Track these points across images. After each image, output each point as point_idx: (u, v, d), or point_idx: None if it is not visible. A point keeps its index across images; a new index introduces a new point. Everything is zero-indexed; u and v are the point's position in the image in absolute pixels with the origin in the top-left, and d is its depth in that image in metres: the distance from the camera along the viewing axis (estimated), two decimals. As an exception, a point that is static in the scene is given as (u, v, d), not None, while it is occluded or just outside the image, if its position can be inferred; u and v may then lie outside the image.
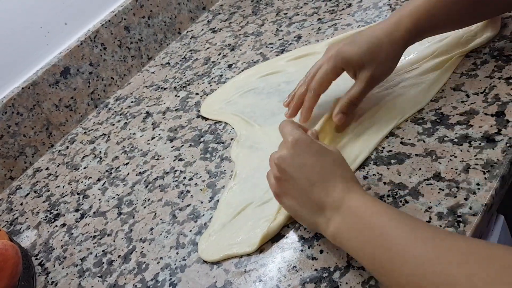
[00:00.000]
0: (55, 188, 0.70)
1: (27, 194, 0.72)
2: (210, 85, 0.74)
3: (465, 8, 0.48)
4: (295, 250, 0.44)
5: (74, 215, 0.63)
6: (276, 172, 0.42)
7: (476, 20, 0.52)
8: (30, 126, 0.77)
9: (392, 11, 0.67)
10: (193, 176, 0.59)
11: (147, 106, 0.78)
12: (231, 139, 0.61)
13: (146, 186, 0.61)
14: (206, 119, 0.67)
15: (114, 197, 0.62)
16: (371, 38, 0.48)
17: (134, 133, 0.73)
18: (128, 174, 0.65)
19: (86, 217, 0.61)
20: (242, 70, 0.73)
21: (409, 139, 0.48)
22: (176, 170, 0.61)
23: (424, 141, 0.47)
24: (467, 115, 0.48)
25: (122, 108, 0.81)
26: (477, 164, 0.43)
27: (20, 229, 0.65)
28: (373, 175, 0.47)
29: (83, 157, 0.73)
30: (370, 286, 0.38)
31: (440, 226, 0.40)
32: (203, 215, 0.53)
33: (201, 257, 0.48)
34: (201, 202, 0.54)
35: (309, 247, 0.44)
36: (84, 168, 0.71)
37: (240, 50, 0.79)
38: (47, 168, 0.76)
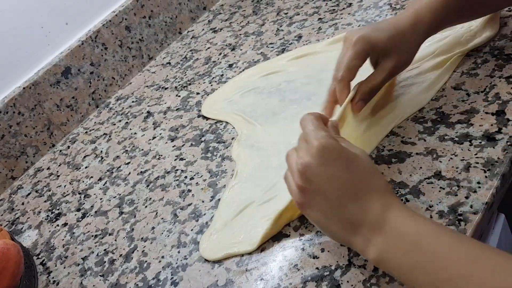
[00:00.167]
0: (56, 187, 0.70)
1: (29, 194, 0.72)
2: (211, 85, 0.74)
3: None
4: (296, 249, 0.44)
5: (75, 215, 0.63)
6: (299, 180, 0.38)
7: (490, 10, 0.51)
8: (31, 126, 0.78)
9: (393, 11, 0.67)
10: (194, 175, 0.59)
11: (148, 105, 0.78)
12: (232, 138, 0.61)
13: (148, 186, 0.61)
14: (207, 118, 0.68)
15: (115, 197, 0.62)
16: (396, 26, 0.47)
17: (135, 133, 0.73)
18: (130, 173, 0.65)
19: (88, 216, 0.62)
20: (243, 70, 0.73)
21: (410, 138, 0.48)
22: (177, 170, 0.61)
23: (425, 140, 0.47)
24: (468, 114, 0.48)
25: (123, 108, 0.81)
26: (477, 163, 0.43)
27: (22, 228, 0.65)
28: (374, 174, 0.47)
29: (84, 157, 0.73)
30: (371, 285, 0.39)
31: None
32: (204, 214, 0.53)
33: (202, 256, 0.48)
34: (202, 201, 0.55)
35: (310, 246, 0.44)
36: (86, 167, 0.71)
37: (241, 49, 0.79)
38: (48, 168, 0.76)
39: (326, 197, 0.37)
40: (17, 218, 0.68)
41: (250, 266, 0.45)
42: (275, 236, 0.46)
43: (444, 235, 0.33)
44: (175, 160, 0.63)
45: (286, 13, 0.82)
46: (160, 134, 0.70)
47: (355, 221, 0.36)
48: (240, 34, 0.83)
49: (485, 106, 0.47)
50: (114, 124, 0.78)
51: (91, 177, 0.68)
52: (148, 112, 0.76)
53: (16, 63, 0.77)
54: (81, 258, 0.56)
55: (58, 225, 0.63)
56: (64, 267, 0.56)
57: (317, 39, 0.71)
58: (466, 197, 0.41)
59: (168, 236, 0.52)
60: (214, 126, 0.65)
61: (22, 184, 0.75)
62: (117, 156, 0.70)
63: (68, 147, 0.78)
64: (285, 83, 0.65)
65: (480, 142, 0.44)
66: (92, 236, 0.58)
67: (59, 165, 0.75)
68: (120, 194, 0.62)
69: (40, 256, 0.59)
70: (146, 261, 0.51)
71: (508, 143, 0.43)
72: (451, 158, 0.44)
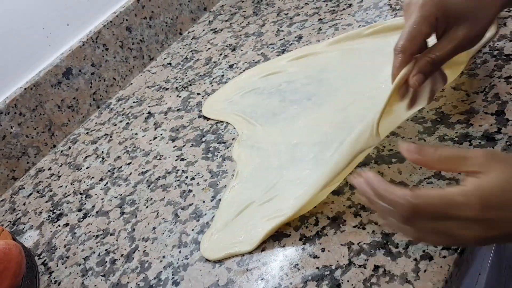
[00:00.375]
0: (57, 188, 0.70)
1: (30, 194, 0.72)
2: (212, 85, 0.74)
3: None
4: (297, 249, 0.44)
5: (76, 215, 0.63)
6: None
7: None
8: (32, 126, 0.78)
9: (393, 11, 0.68)
10: (195, 175, 0.59)
11: (149, 106, 0.78)
12: (233, 138, 0.62)
13: (149, 186, 0.61)
14: (208, 119, 0.68)
15: (116, 197, 0.62)
16: None
17: (136, 133, 0.73)
18: (131, 174, 0.65)
19: (89, 216, 0.62)
20: (243, 70, 0.74)
21: (410, 138, 0.49)
22: (178, 170, 0.61)
23: (424, 140, 0.48)
24: (467, 114, 0.48)
25: (124, 108, 0.81)
26: (477, 163, 0.43)
27: (23, 229, 0.66)
28: (374, 174, 0.47)
29: (86, 157, 0.74)
30: (372, 284, 0.39)
31: (441, 224, 0.40)
32: (205, 214, 0.53)
33: (203, 256, 0.48)
34: (203, 202, 0.55)
35: (310, 246, 0.44)
36: (87, 168, 0.71)
37: (241, 50, 0.79)
38: (49, 168, 0.76)
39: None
40: (18, 218, 0.68)
41: (251, 265, 0.45)
42: (276, 236, 0.46)
43: None
44: (176, 160, 0.63)
45: (286, 14, 0.82)
46: (161, 134, 0.70)
47: None
48: (241, 35, 0.83)
49: (485, 106, 0.48)
50: (115, 125, 0.78)
51: (92, 177, 0.69)
52: (149, 112, 0.76)
53: (17, 64, 0.77)
54: (83, 258, 0.56)
55: (59, 225, 0.63)
56: (66, 267, 0.56)
57: (317, 40, 0.71)
58: (466, 197, 0.41)
59: (169, 236, 0.53)
60: (214, 127, 0.66)
61: (23, 184, 0.76)
62: (118, 157, 0.70)
63: (69, 147, 0.79)
64: (286, 83, 0.66)
65: (480, 142, 0.45)
66: (94, 236, 0.58)
67: (60, 166, 0.75)
68: (121, 194, 0.62)
69: (41, 256, 0.59)
70: (147, 261, 0.51)
71: (508, 143, 0.43)
72: (450, 158, 0.45)
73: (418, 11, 0.40)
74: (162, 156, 0.65)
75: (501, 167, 0.31)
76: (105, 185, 0.66)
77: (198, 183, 0.58)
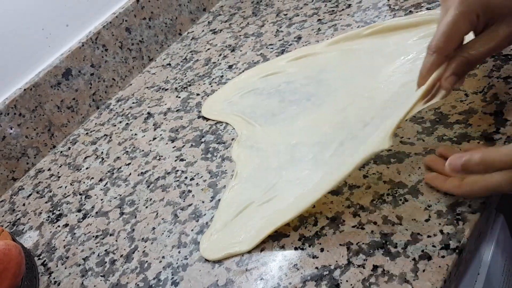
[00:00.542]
0: (57, 188, 0.70)
1: (30, 195, 0.72)
2: (211, 86, 0.75)
3: None
4: (296, 249, 0.44)
5: (76, 215, 0.63)
6: None
7: None
8: (32, 127, 0.78)
9: (392, 11, 0.68)
10: (195, 176, 0.59)
11: (148, 107, 0.78)
12: (232, 139, 0.62)
13: (148, 186, 0.61)
14: (207, 119, 0.68)
15: (116, 197, 0.63)
16: None
17: (135, 134, 0.73)
18: (130, 174, 0.65)
19: (89, 217, 0.62)
20: (243, 71, 0.74)
21: (409, 138, 0.49)
22: (177, 170, 0.61)
23: (423, 140, 0.48)
24: (466, 114, 0.48)
25: (123, 109, 0.81)
26: (476, 163, 0.43)
27: (23, 229, 0.66)
28: (373, 174, 0.47)
29: (85, 158, 0.74)
30: (371, 284, 0.39)
31: (440, 224, 0.40)
32: (205, 214, 0.53)
33: (202, 256, 0.48)
34: (203, 202, 0.55)
35: (309, 246, 0.44)
36: (86, 168, 0.71)
37: (241, 51, 0.79)
38: (49, 169, 0.76)
39: None
40: (18, 219, 0.68)
41: (250, 266, 0.45)
42: (275, 236, 0.46)
43: None
44: (175, 161, 0.63)
45: (285, 14, 0.82)
46: (161, 135, 0.70)
47: None
48: (240, 35, 0.84)
49: (483, 106, 0.48)
50: (115, 125, 0.78)
51: (92, 178, 0.69)
52: (148, 113, 0.77)
53: (16, 64, 0.77)
54: (82, 259, 0.56)
55: (59, 226, 0.63)
56: (65, 268, 0.56)
57: (316, 40, 0.71)
58: (464, 197, 0.41)
59: (169, 236, 0.53)
60: (214, 127, 0.66)
61: (23, 185, 0.76)
62: (118, 157, 0.70)
63: (69, 148, 0.79)
64: (285, 84, 0.66)
65: (479, 142, 0.45)
66: (93, 236, 0.58)
67: (60, 166, 0.75)
68: (120, 195, 0.63)
69: (41, 257, 0.59)
70: (146, 261, 0.51)
71: (506, 143, 0.43)
72: (449, 158, 0.45)
73: (457, 7, 0.36)
74: (162, 156, 0.65)
75: None
76: (104, 186, 0.66)
77: (197, 183, 0.58)
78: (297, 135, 0.57)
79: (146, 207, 0.58)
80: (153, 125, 0.73)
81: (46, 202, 0.69)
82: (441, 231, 0.40)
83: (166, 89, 0.80)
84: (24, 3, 0.75)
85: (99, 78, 0.85)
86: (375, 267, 0.40)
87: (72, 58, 0.81)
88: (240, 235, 0.48)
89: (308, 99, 0.61)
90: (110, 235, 0.57)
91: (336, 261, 0.42)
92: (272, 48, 0.75)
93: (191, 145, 0.65)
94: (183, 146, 0.65)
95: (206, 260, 0.48)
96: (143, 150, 0.69)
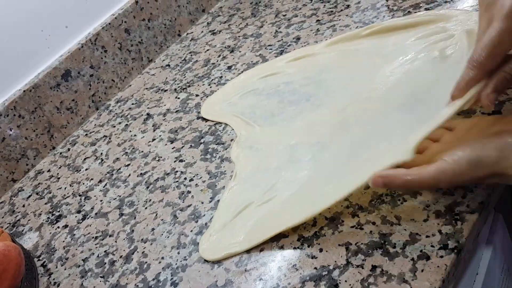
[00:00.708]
0: (57, 190, 0.71)
1: (29, 196, 0.72)
2: (210, 87, 0.75)
3: None
4: (295, 249, 0.44)
5: (76, 217, 0.63)
6: None
7: None
8: (31, 128, 0.78)
9: (390, 12, 0.68)
10: (194, 176, 0.59)
11: (148, 108, 0.78)
12: (231, 140, 0.62)
13: (147, 187, 0.61)
14: (206, 120, 0.68)
15: (115, 198, 0.63)
16: None
17: (135, 135, 0.73)
18: (129, 175, 0.65)
19: (88, 218, 0.62)
20: (242, 72, 0.74)
21: (407, 139, 0.49)
22: (176, 171, 0.61)
23: (422, 140, 0.48)
24: (465, 114, 0.48)
25: (123, 110, 0.81)
26: (474, 163, 0.43)
27: (23, 230, 0.66)
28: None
29: (85, 159, 0.74)
30: (369, 284, 0.39)
31: (438, 224, 0.40)
32: (204, 215, 0.53)
33: (202, 257, 0.48)
34: (202, 203, 0.55)
35: (308, 246, 0.44)
36: (86, 169, 0.71)
37: (240, 51, 0.79)
38: (48, 170, 0.76)
39: None
40: (18, 220, 0.68)
41: (249, 266, 0.45)
42: (274, 237, 0.46)
43: None
44: (174, 161, 0.63)
45: (284, 15, 0.82)
46: (160, 136, 0.70)
47: None
48: (239, 36, 0.84)
49: (482, 106, 0.48)
50: (114, 126, 0.78)
51: (91, 179, 0.69)
52: (147, 114, 0.77)
53: (16, 66, 0.77)
54: (82, 260, 0.56)
55: (58, 227, 0.63)
56: (65, 269, 0.56)
57: (315, 41, 0.71)
58: (463, 197, 0.41)
59: (168, 237, 0.53)
60: (213, 128, 0.66)
61: (22, 186, 0.76)
62: (117, 158, 0.70)
63: (69, 149, 0.79)
64: (284, 84, 0.66)
65: (477, 142, 0.45)
66: (93, 237, 0.58)
67: (60, 168, 0.75)
68: (120, 196, 0.63)
69: (41, 258, 0.60)
70: (146, 262, 0.51)
71: (504, 143, 0.43)
72: (448, 158, 0.45)
73: (502, 20, 0.33)
74: (161, 157, 0.65)
75: None
76: (104, 187, 0.66)
77: (196, 184, 0.58)
78: (296, 136, 0.57)
79: (146, 208, 0.58)
80: (153, 126, 0.73)
81: (45, 203, 0.69)
82: (440, 231, 0.40)
83: (165, 90, 0.80)
84: (23, 5, 0.75)
85: (98, 79, 0.85)
86: (373, 267, 0.40)
87: (71, 60, 0.81)
88: (239, 236, 0.48)
89: (307, 100, 0.61)
90: (110, 236, 0.57)
91: (335, 261, 0.42)
92: (271, 49, 0.75)
93: (190, 146, 0.65)
94: (182, 147, 0.65)
95: (205, 261, 0.48)
96: (142, 151, 0.69)
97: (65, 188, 0.70)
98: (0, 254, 0.51)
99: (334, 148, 0.51)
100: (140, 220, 0.57)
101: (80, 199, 0.66)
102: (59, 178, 0.73)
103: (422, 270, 0.38)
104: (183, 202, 0.56)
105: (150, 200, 0.59)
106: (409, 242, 0.40)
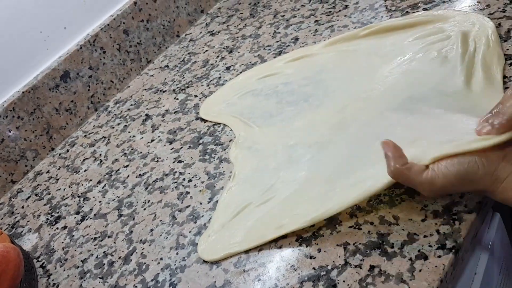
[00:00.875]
0: (56, 191, 0.71)
1: (28, 197, 0.72)
2: (209, 88, 0.75)
3: None
4: (293, 249, 0.45)
5: (75, 218, 0.63)
6: None
7: None
8: (30, 130, 0.78)
9: (388, 12, 0.68)
10: (192, 177, 0.59)
11: (147, 109, 0.78)
12: (230, 140, 0.62)
13: (146, 188, 0.62)
14: (205, 121, 0.68)
15: (114, 199, 0.63)
16: None
17: (133, 136, 0.73)
18: (128, 176, 0.65)
19: (87, 219, 0.62)
20: (240, 72, 0.74)
21: (405, 139, 0.49)
22: (175, 172, 0.62)
23: (420, 141, 0.48)
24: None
25: (121, 111, 0.82)
26: (472, 163, 0.43)
27: (22, 232, 0.66)
28: (370, 174, 0.47)
29: (84, 160, 0.74)
30: (367, 284, 0.39)
31: (436, 224, 0.40)
32: (203, 216, 0.53)
33: (200, 257, 0.48)
34: (201, 203, 0.55)
35: (307, 246, 0.44)
36: (85, 171, 0.71)
37: (238, 52, 0.79)
38: (48, 172, 0.76)
39: None
40: (17, 221, 0.68)
41: (247, 266, 0.45)
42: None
43: None
44: (173, 162, 0.63)
45: (283, 16, 0.82)
46: (159, 136, 0.70)
47: None
48: (238, 37, 0.84)
49: (479, 106, 0.48)
50: (113, 127, 0.78)
51: (90, 180, 0.69)
52: (146, 115, 0.77)
53: (15, 67, 0.77)
54: (81, 261, 0.56)
55: (57, 228, 0.63)
56: (64, 270, 0.56)
57: (313, 41, 0.71)
58: (461, 197, 0.42)
59: (167, 238, 0.53)
60: (212, 129, 0.66)
61: (22, 187, 0.76)
62: (116, 159, 0.70)
63: (67, 150, 0.79)
64: (282, 85, 0.66)
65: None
66: (92, 238, 0.58)
67: (59, 169, 0.75)
68: (119, 197, 0.63)
69: (40, 259, 0.60)
70: (145, 263, 0.51)
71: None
72: (445, 158, 0.45)
73: None
74: (160, 158, 0.66)
75: None
76: (103, 188, 0.66)
77: (195, 185, 0.58)
78: (294, 136, 0.57)
79: (144, 209, 0.59)
80: (151, 127, 0.73)
81: (44, 205, 0.69)
82: (438, 231, 0.40)
83: (164, 91, 0.80)
84: (22, 6, 0.75)
85: (97, 80, 0.85)
86: (372, 267, 0.40)
87: (70, 61, 0.81)
88: (238, 236, 0.48)
89: (306, 100, 0.61)
90: (109, 237, 0.57)
91: (333, 262, 0.42)
92: (269, 50, 0.75)
93: (189, 146, 0.65)
94: (181, 148, 0.65)
95: (204, 262, 0.48)
96: (141, 152, 0.69)
97: (64, 189, 0.70)
98: (-1, 255, 0.51)
99: (333, 149, 0.51)
100: (139, 221, 0.57)
101: (79, 200, 0.66)
102: (58, 179, 0.73)
103: (420, 270, 0.38)
104: (181, 203, 0.56)
105: (149, 201, 0.59)
106: (407, 242, 0.40)
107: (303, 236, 0.45)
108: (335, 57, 0.65)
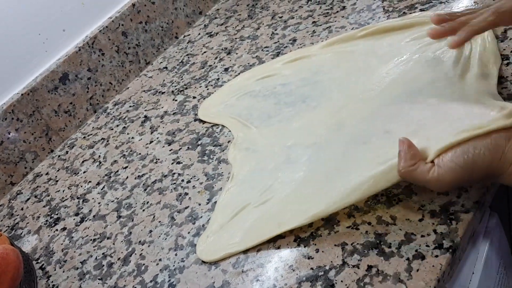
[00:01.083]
0: (55, 192, 0.71)
1: (28, 199, 0.73)
2: (207, 89, 0.75)
3: None
4: (291, 250, 0.45)
5: (74, 219, 0.64)
6: None
7: None
8: (30, 132, 0.78)
9: (385, 13, 0.68)
10: (191, 178, 0.59)
11: (145, 110, 0.79)
12: (228, 141, 0.62)
13: (145, 189, 0.62)
14: (204, 122, 0.68)
15: (113, 201, 0.63)
16: None
17: (132, 137, 0.74)
18: (127, 177, 0.66)
19: (86, 220, 0.62)
20: (239, 74, 0.74)
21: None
22: (174, 173, 0.62)
23: (417, 141, 0.48)
24: (459, 114, 0.48)
25: (120, 112, 0.82)
26: (468, 163, 0.43)
27: (21, 233, 0.66)
28: (368, 174, 0.48)
29: (83, 162, 0.74)
30: (365, 284, 0.39)
31: (433, 223, 0.41)
32: (201, 217, 0.53)
33: (199, 258, 0.49)
34: (199, 204, 0.55)
35: (305, 246, 0.44)
36: (84, 172, 0.72)
37: (237, 53, 0.80)
38: (47, 173, 0.76)
39: None
40: (16, 223, 0.69)
41: (246, 267, 0.45)
42: (271, 237, 0.47)
43: None
44: (172, 163, 0.64)
45: (280, 17, 0.83)
46: (157, 138, 0.70)
47: None
48: (236, 38, 0.84)
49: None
50: (112, 129, 0.78)
51: (89, 181, 0.69)
52: (145, 116, 0.77)
53: (14, 69, 0.77)
54: (80, 262, 0.56)
55: (57, 230, 0.63)
56: (63, 271, 0.56)
57: (311, 42, 0.72)
58: (458, 196, 0.42)
59: (165, 239, 0.53)
60: (210, 130, 0.66)
61: (21, 189, 0.76)
62: (115, 161, 0.70)
63: (67, 152, 0.79)
64: (280, 86, 0.66)
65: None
66: (91, 240, 0.59)
67: (58, 170, 0.76)
68: (118, 198, 0.63)
69: (39, 261, 0.60)
70: (143, 264, 0.52)
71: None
72: (442, 158, 0.45)
73: (492, 15, 0.43)
74: (158, 159, 0.66)
75: None
76: (102, 189, 0.66)
77: (194, 186, 0.58)
78: (292, 137, 0.57)
79: (143, 210, 0.59)
80: (150, 128, 0.73)
81: (44, 206, 0.69)
82: (435, 231, 0.40)
83: (162, 92, 0.81)
84: (21, 9, 0.76)
85: (96, 82, 0.85)
86: (369, 267, 0.40)
87: (69, 63, 0.81)
88: (236, 237, 0.48)
89: (304, 101, 0.61)
90: (108, 238, 0.57)
91: (331, 262, 0.42)
92: (267, 51, 0.76)
93: (188, 147, 0.65)
94: (179, 149, 0.65)
95: (203, 262, 0.48)
96: (140, 154, 0.69)
97: (63, 191, 0.70)
98: (-1, 257, 0.51)
99: (331, 149, 0.52)
100: (138, 222, 0.57)
101: (78, 201, 0.66)
102: (57, 181, 0.73)
103: (418, 270, 0.38)
104: (180, 204, 0.57)
105: (148, 202, 0.59)
106: (404, 242, 0.41)
107: (301, 236, 0.45)
108: (333, 58, 0.65)
